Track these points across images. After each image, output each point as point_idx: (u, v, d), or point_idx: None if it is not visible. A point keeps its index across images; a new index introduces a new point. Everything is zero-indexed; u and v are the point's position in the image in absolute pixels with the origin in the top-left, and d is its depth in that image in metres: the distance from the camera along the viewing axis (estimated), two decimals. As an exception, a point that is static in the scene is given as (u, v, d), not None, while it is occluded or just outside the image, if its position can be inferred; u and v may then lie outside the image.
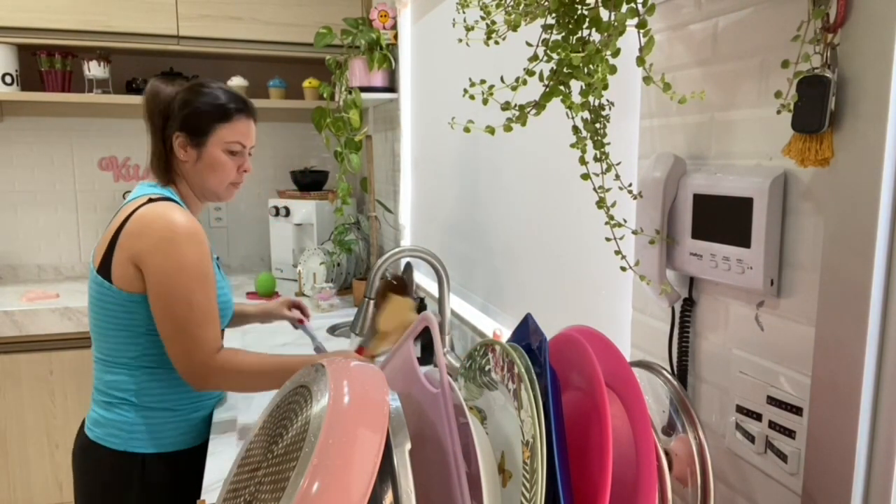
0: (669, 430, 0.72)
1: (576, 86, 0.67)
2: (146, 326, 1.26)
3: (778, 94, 0.61)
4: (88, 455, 1.30)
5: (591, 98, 0.68)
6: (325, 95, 2.35)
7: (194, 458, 1.33)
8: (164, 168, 1.33)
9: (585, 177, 0.72)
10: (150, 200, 1.25)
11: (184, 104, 1.30)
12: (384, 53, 2.26)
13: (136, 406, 1.28)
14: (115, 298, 1.24)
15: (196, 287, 1.21)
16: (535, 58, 0.69)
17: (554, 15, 0.67)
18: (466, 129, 0.75)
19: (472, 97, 0.72)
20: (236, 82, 2.73)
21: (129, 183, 2.86)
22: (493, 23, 0.73)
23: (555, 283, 1.24)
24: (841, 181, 0.59)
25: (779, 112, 0.61)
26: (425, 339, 1.68)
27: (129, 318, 1.25)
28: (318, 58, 2.61)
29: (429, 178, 2.08)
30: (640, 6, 0.64)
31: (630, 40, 0.66)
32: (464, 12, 0.77)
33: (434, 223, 2.04)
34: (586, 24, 0.66)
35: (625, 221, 0.76)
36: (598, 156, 0.71)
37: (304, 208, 2.62)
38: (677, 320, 0.81)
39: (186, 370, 1.22)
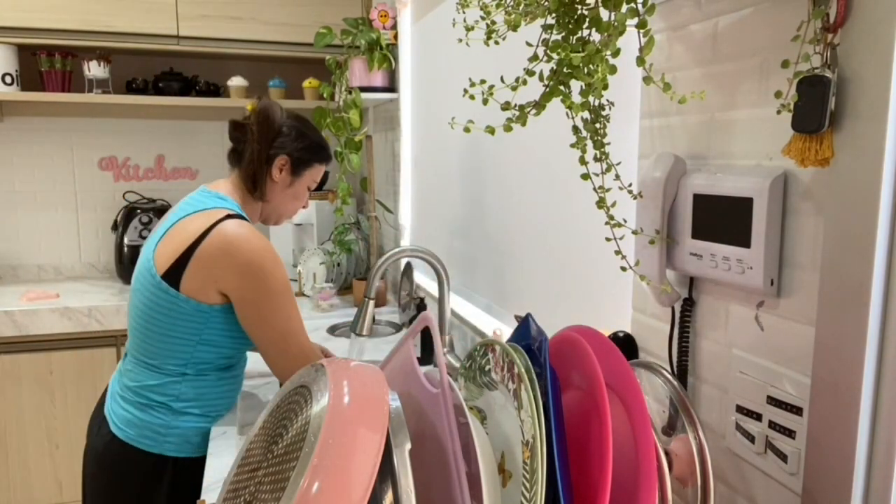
0: (669, 430, 0.72)
1: (576, 86, 0.67)
2: (203, 336, 1.29)
3: (778, 94, 0.61)
4: (118, 454, 1.31)
5: (591, 98, 0.68)
6: (325, 95, 2.35)
7: None
8: (254, 183, 1.40)
9: (585, 177, 0.72)
10: (229, 216, 1.28)
11: (300, 136, 1.42)
12: (384, 53, 2.26)
13: (173, 411, 1.31)
14: (179, 307, 1.25)
15: (281, 310, 1.29)
16: (535, 58, 0.69)
17: (554, 15, 0.67)
18: (466, 130, 0.75)
19: (472, 97, 0.72)
20: (236, 82, 2.73)
21: (128, 183, 2.86)
22: (493, 23, 0.73)
23: (555, 283, 1.24)
24: (841, 181, 0.59)
25: (779, 112, 0.61)
26: (425, 339, 1.68)
27: (189, 326, 1.27)
28: (318, 58, 2.61)
29: (429, 178, 2.08)
30: (640, 6, 0.64)
31: (630, 40, 0.66)
32: (464, 12, 0.77)
33: (434, 223, 2.04)
34: (586, 24, 0.66)
35: (625, 221, 0.76)
36: (598, 156, 0.71)
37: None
38: (677, 320, 0.81)
39: (284, 376, 1.32)
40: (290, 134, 1.41)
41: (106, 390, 1.41)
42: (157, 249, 1.28)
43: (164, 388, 1.30)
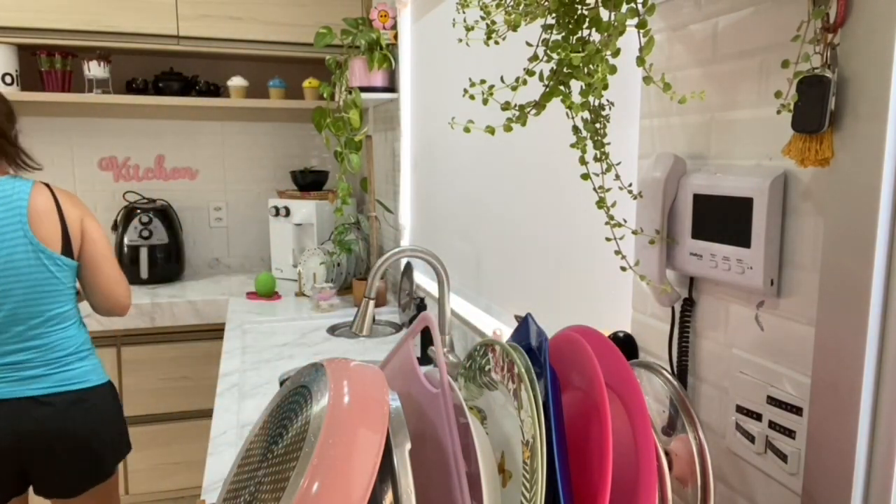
0: (669, 430, 0.72)
1: (576, 86, 0.67)
2: (74, 282, 1.61)
3: (778, 94, 0.61)
4: (98, 396, 1.60)
5: (591, 98, 0.68)
6: (325, 95, 2.35)
7: None
8: (9, 160, 1.60)
9: (585, 177, 0.72)
10: (45, 184, 1.57)
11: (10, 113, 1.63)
12: (384, 53, 2.26)
13: (91, 350, 1.66)
14: (73, 269, 1.57)
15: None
16: (535, 58, 0.69)
17: (554, 15, 0.67)
18: (466, 130, 0.75)
19: (472, 97, 0.72)
20: (236, 82, 2.73)
21: (128, 183, 2.86)
22: (493, 23, 0.73)
23: (555, 283, 1.24)
24: (841, 181, 0.59)
25: (779, 112, 0.61)
26: (425, 339, 1.68)
27: (71, 280, 1.58)
28: (318, 58, 2.61)
29: (429, 178, 2.08)
30: (640, 6, 0.64)
31: (630, 40, 0.66)
32: (464, 12, 0.77)
33: (434, 223, 2.04)
34: (586, 24, 0.66)
35: (625, 221, 0.76)
36: (598, 156, 0.71)
37: (304, 208, 2.62)
38: (677, 320, 0.81)
39: (125, 302, 1.67)
40: (10, 107, 1.60)
41: None
42: (40, 237, 1.49)
43: (80, 337, 1.62)
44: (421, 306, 1.91)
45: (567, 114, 0.69)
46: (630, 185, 0.76)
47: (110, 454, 1.63)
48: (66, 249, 1.53)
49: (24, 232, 1.47)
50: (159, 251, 2.68)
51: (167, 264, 2.71)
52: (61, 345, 1.56)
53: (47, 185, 1.56)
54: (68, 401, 1.54)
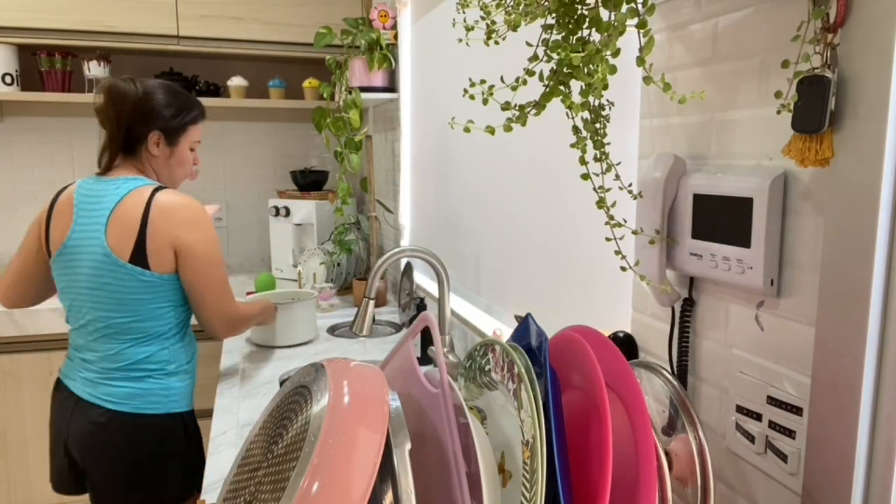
0: (669, 430, 0.72)
1: (576, 86, 0.67)
2: (174, 302, 1.45)
3: (778, 94, 0.61)
4: (124, 426, 1.43)
5: (591, 98, 0.68)
6: (325, 95, 2.35)
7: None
8: (139, 162, 1.48)
9: (585, 177, 0.72)
10: (156, 190, 1.41)
11: (165, 104, 1.47)
12: (384, 53, 2.26)
13: (169, 373, 1.47)
14: (153, 283, 1.40)
15: (220, 255, 1.47)
16: (535, 58, 0.69)
17: (554, 15, 0.67)
18: (466, 130, 0.75)
19: (472, 97, 0.72)
20: (236, 82, 2.73)
21: (129, 183, 2.85)
22: (493, 23, 0.73)
23: (555, 283, 1.24)
24: (841, 181, 0.59)
25: (779, 112, 0.61)
26: (425, 339, 1.68)
27: (163, 297, 1.42)
28: (318, 58, 2.61)
29: (429, 178, 2.08)
30: (640, 6, 0.64)
31: (630, 40, 0.66)
32: (464, 12, 0.77)
33: (434, 223, 2.04)
34: (586, 24, 0.66)
35: (625, 221, 0.76)
36: (598, 156, 0.71)
37: (304, 208, 2.62)
38: (677, 320, 0.81)
39: (226, 323, 1.50)
40: (153, 105, 1.45)
41: (58, 387, 1.52)
42: (110, 243, 1.37)
43: (156, 356, 1.45)
44: (421, 306, 1.91)
45: (567, 114, 0.69)
46: (630, 185, 0.76)
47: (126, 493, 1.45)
48: (139, 260, 1.37)
49: (100, 233, 1.38)
50: (159, 251, 2.67)
51: (167, 264, 2.70)
52: (115, 357, 1.43)
53: (157, 192, 1.40)
54: (97, 415, 1.42)
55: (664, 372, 0.73)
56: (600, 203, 0.72)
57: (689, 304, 0.80)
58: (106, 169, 1.47)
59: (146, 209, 1.38)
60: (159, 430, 1.46)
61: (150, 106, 1.45)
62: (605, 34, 0.63)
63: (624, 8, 0.63)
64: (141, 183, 1.42)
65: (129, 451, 1.44)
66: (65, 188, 1.50)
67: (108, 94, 1.43)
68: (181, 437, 1.49)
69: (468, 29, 0.78)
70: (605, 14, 0.64)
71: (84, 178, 1.47)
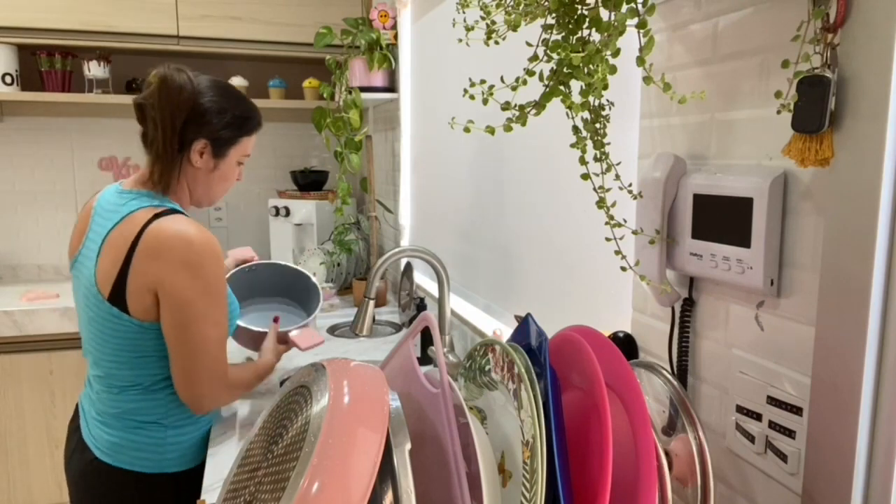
0: (669, 430, 0.72)
1: (576, 86, 0.67)
2: (160, 353, 1.19)
3: (778, 94, 0.61)
4: (106, 479, 1.22)
5: (591, 98, 0.68)
6: (325, 95, 2.35)
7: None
8: (169, 175, 1.21)
9: (585, 177, 0.72)
10: (157, 216, 1.14)
11: (220, 110, 1.21)
12: (384, 53, 2.26)
13: (165, 427, 1.23)
14: (132, 329, 1.16)
15: (215, 312, 1.16)
16: (535, 58, 0.69)
17: (554, 15, 0.67)
18: (466, 130, 0.75)
19: (472, 97, 0.72)
20: (236, 82, 2.73)
21: (129, 183, 2.86)
22: (493, 23, 0.73)
23: (555, 283, 1.24)
24: (841, 181, 0.59)
25: (779, 112, 0.61)
26: (425, 339, 1.68)
27: (149, 345, 1.18)
28: (318, 58, 2.61)
29: (429, 178, 2.08)
30: (640, 6, 0.64)
31: (630, 40, 0.66)
32: (464, 12, 0.77)
33: (434, 223, 2.04)
34: (586, 24, 0.66)
35: (625, 221, 0.76)
36: (598, 156, 0.71)
37: (304, 208, 2.62)
38: (677, 320, 0.81)
39: (188, 395, 1.18)
40: (207, 110, 1.19)
41: (77, 409, 1.33)
42: (98, 271, 1.15)
43: (148, 409, 1.21)
44: (421, 306, 1.91)
45: (567, 114, 0.69)
46: (630, 185, 0.76)
47: None
48: (117, 300, 1.14)
49: (94, 258, 1.17)
50: (159, 251, 2.67)
51: (167, 264, 2.70)
52: (108, 400, 1.23)
53: (157, 217, 1.14)
54: (87, 461, 1.23)
55: (664, 372, 0.73)
56: (600, 203, 0.72)
57: (689, 304, 0.80)
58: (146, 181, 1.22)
59: (136, 240, 1.12)
60: (144, 491, 1.22)
61: (203, 109, 1.19)
62: (605, 34, 0.63)
63: (624, 8, 0.63)
64: (145, 203, 1.17)
65: None
66: (98, 192, 1.30)
67: (161, 86, 1.18)
68: (170, 500, 1.24)
69: (468, 29, 0.78)
70: (605, 14, 0.64)
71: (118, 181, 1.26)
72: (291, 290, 1.76)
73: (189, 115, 1.18)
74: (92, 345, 1.21)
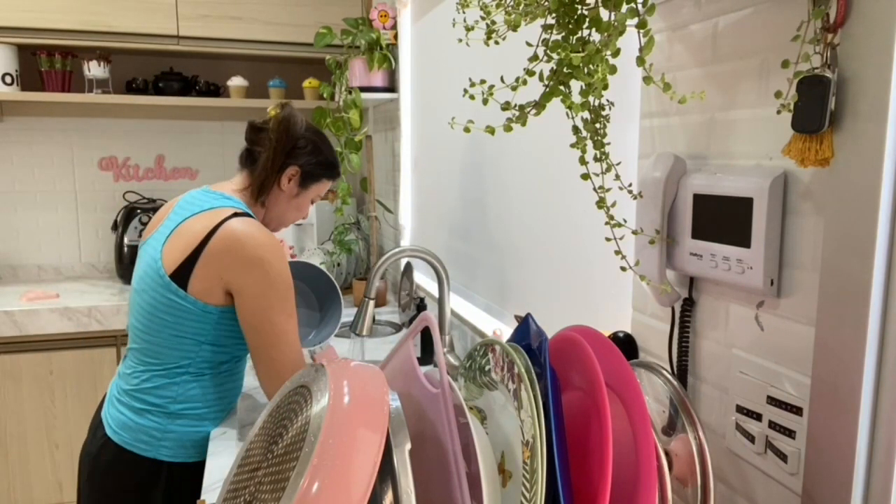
0: (669, 430, 0.72)
1: (576, 86, 0.67)
2: (209, 337, 1.28)
3: (778, 94, 0.61)
4: (113, 458, 1.29)
5: (591, 98, 0.68)
6: (325, 95, 2.35)
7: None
8: (261, 188, 1.39)
9: (585, 177, 0.72)
10: (236, 214, 1.27)
11: (315, 150, 1.43)
12: (384, 53, 2.26)
13: (169, 414, 1.29)
14: (186, 307, 1.25)
15: (286, 304, 1.28)
16: (535, 58, 0.69)
17: (554, 15, 0.67)
18: (466, 130, 0.75)
19: (472, 97, 0.72)
20: (236, 82, 2.73)
21: (128, 183, 2.86)
22: (493, 23, 0.73)
23: (555, 283, 1.24)
24: (841, 181, 0.59)
25: (779, 112, 0.61)
26: (425, 339, 1.68)
27: (195, 326, 1.27)
28: (318, 58, 2.61)
29: (429, 178, 2.08)
30: (640, 6, 0.64)
31: (630, 40, 0.66)
32: (464, 12, 0.77)
33: (434, 223, 2.04)
34: (586, 24, 0.66)
35: (625, 221, 0.76)
36: (598, 156, 0.71)
37: (304, 208, 2.62)
38: (677, 320, 0.81)
39: (275, 387, 1.28)
40: (307, 147, 1.41)
41: (106, 394, 1.39)
42: (165, 249, 1.27)
43: (161, 390, 1.29)
44: (421, 306, 1.91)
45: (567, 114, 0.69)
46: (630, 185, 0.76)
47: None
48: (180, 278, 1.24)
49: (164, 236, 1.28)
50: (159, 251, 2.67)
51: (167, 264, 2.70)
52: (130, 376, 1.31)
53: (232, 217, 1.25)
54: (100, 436, 1.31)
55: (664, 372, 0.73)
56: (600, 203, 0.72)
57: (689, 304, 0.80)
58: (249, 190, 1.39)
59: (211, 232, 1.24)
60: (140, 475, 1.29)
61: (305, 143, 1.41)
62: (605, 34, 0.63)
63: (624, 8, 0.63)
64: (226, 203, 1.31)
65: (109, 487, 1.30)
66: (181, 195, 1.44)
67: (284, 119, 1.37)
68: (160, 491, 1.29)
69: (468, 29, 0.78)
70: (605, 14, 0.64)
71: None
72: (313, 287, 1.75)
73: (295, 144, 1.40)
74: (136, 318, 1.31)
